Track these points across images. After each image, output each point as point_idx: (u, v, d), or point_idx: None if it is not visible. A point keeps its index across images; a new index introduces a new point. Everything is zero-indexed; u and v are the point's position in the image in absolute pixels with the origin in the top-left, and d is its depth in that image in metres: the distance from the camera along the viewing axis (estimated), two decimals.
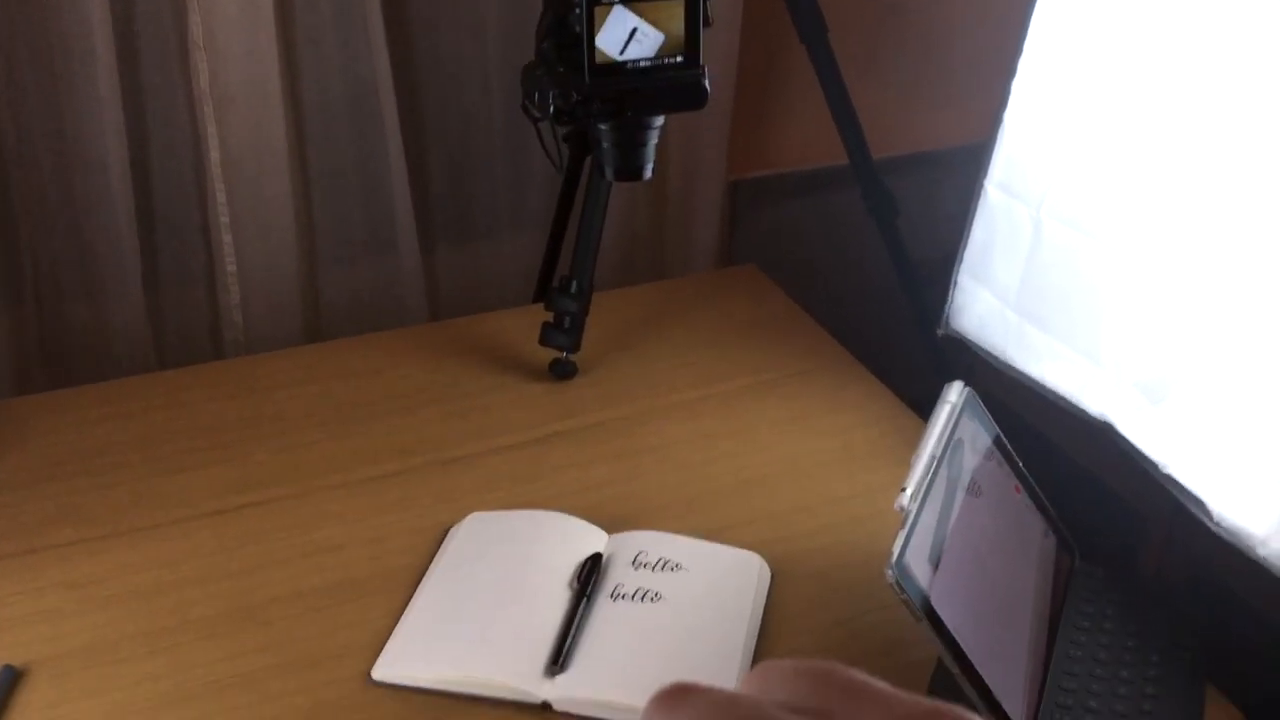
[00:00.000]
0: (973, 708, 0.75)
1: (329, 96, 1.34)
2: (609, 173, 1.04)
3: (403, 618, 0.89)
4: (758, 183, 1.67)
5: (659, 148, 1.27)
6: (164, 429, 1.09)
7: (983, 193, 1.04)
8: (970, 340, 1.07)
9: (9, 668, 0.83)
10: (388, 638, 0.87)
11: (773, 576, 0.94)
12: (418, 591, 0.91)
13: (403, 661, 0.85)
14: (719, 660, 0.85)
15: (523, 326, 1.25)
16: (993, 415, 0.89)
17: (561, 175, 1.36)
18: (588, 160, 1.20)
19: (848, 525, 1.00)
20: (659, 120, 1.01)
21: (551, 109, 0.99)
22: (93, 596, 0.90)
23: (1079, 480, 1.23)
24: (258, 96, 1.28)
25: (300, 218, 1.38)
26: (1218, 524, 0.84)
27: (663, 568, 0.93)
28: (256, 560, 0.94)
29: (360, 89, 1.35)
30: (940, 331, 1.11)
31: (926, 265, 1.40)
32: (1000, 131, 1.02)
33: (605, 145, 1.02)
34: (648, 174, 1.03)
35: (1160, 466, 0.89)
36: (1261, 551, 0.82)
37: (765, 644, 0.88)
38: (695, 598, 0.91)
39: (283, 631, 0.88)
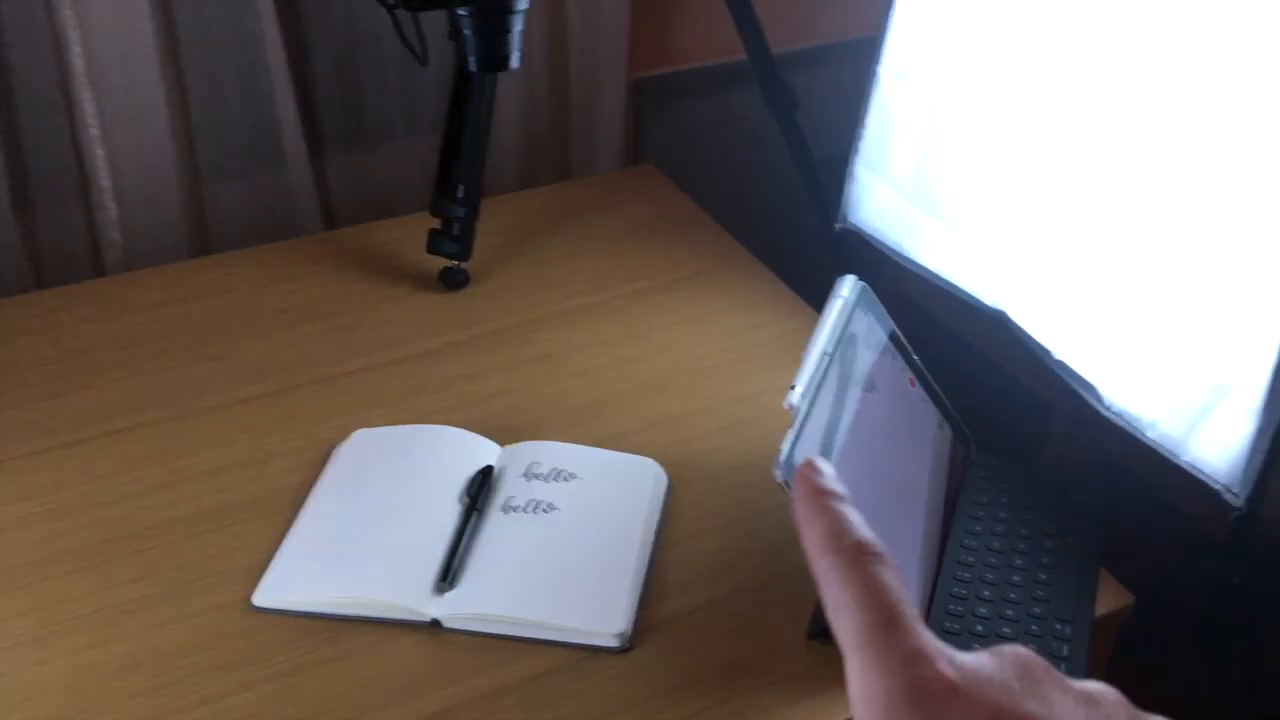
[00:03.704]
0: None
1: None
2: (472, 63, 0.99)
3: (285, 541, 0.85)
4: (662, 80, 1.61)
5: (557, 46, 1.19)
6: (32, 354, 1.04)
7: (876, 81, 1.01)
8: (867, 233, 1.05)
9: None
10: (269, 562, 0.84)
11: (670, 481, 0.92)
12: (300, 513, 0.88)
13: (285, 586, 0.82)
14: (613, 569, 0.83)
15: (416, 235, 1.20)
16: (897, 308, 0.87)
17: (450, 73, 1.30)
18: None
19: (745, 426, 0.98)
20: (523, 4, 0.96)
21: None
22: None
23: (986, 371, 1.23)
24: None
25: (177, 128, 1.31)
26: (1108, 409, 0.84)
27: (556, 478, 0.91)
28: (128, 489, 0.90)
29: None
30: (838, 225, 1.08)
31: (830, 161, 1.37)
32: (892, 15, 0.99)
33: (467, 33, 0.97)
34: (514, 63, 0.98)
35: (1051, 353, 0.88)
36: (1151, 435, 0.81)
37: (663, 550, 0.86)
38: (590, 507, 0.88)
39: (158, 560, 0.84)
